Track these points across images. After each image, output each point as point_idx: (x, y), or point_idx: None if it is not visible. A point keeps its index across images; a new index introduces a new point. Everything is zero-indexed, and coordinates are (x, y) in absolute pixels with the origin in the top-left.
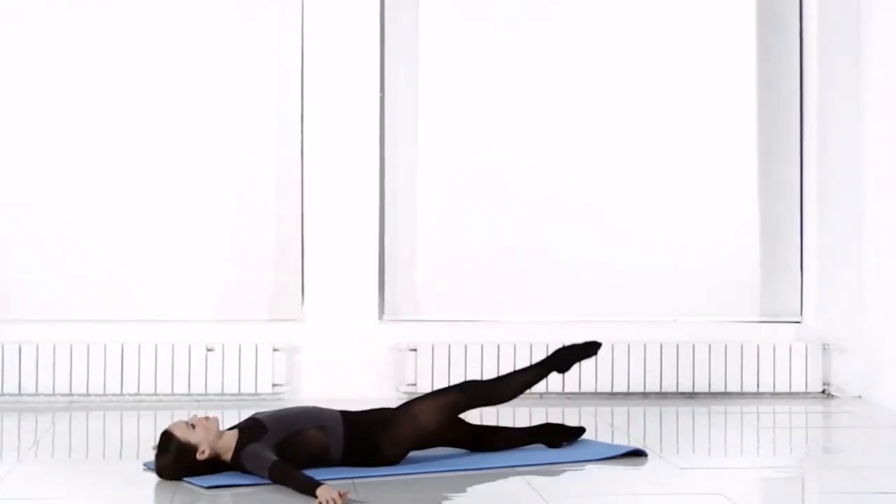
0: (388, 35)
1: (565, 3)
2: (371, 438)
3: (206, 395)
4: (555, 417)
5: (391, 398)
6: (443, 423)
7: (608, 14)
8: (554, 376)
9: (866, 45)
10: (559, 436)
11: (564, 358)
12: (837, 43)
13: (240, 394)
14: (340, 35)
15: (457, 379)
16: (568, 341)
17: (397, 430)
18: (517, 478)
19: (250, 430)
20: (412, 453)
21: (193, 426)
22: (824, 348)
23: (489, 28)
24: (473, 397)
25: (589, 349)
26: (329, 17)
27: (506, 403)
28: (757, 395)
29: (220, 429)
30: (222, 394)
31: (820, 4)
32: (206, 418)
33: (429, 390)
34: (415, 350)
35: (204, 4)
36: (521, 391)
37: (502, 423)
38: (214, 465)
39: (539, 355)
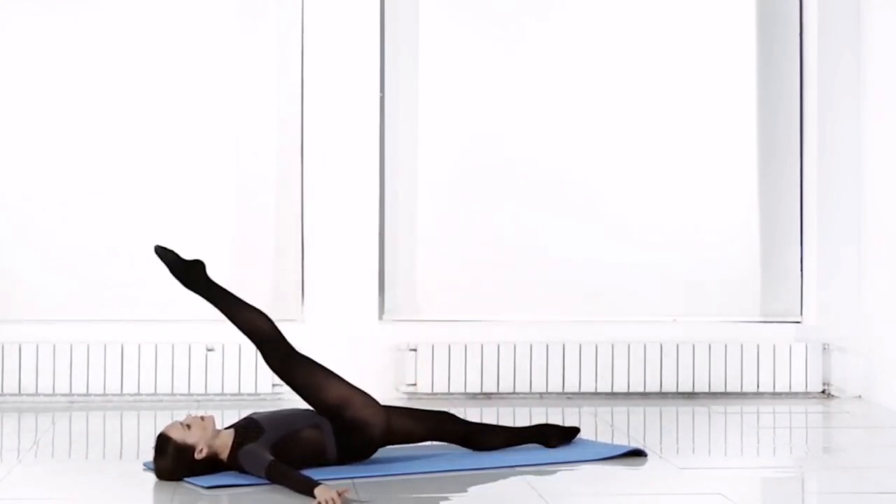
0: (388, 35)
1: (564, 4)
2: (356, 435)
3: (206, 395)
4: (555, 417)
5: (391, 398)
6: (422, 427)
7: (609, 15)
8: (555, 377)
9: (866, 45)
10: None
11: (548, 433)
12: (837, 43)
13: (240, 394)
14: (340, 35)
15: (457, 379)
16: (568, 341)
17: (367, 418)
18: (517, 478)
19: (246, 429)
20: (412, 453)
21: (189, 426)
22: (824, 348)
23: (489, 28)
24: (453, 434)
25: (569, 434)
26: (329, 17)
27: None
28: (757, 395)
29: (217, 427)
30: (222, 394)
31: (820, 4)
32: (202, 417)
33: (429, 391)
34: (415, 350)
35: (204, 4)
36: (494, 448)
37: (500, 424)
38: (213, 464)
39: (539, 355)
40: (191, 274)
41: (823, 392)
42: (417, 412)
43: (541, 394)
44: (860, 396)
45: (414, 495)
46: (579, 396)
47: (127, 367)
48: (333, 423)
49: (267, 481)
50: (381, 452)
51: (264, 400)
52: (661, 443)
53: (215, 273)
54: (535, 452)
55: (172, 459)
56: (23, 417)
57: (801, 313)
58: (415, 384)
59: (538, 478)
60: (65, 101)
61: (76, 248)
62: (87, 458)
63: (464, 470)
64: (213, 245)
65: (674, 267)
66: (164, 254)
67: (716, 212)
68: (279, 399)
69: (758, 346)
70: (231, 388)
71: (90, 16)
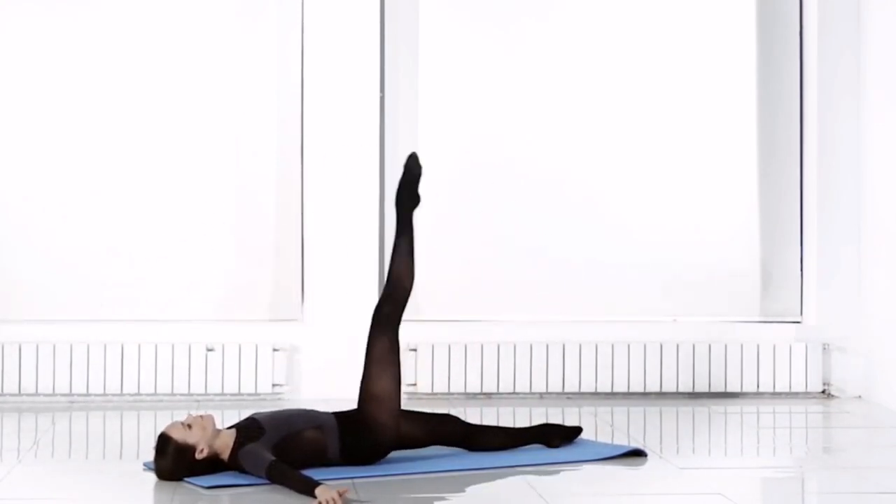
0: (388, 35)
1: (564, 3)
2: (364, 436)
3: (206, 395)
4: (555, 417)
5: None
6: (428, 433)
7: (609, 14)
8: (555, 377)
9: (866, 45)
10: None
11: (550, 433)
12: (837, 43)
13: (240, 394)
14: (340, 35)
15: (457, 379)
16: (568, 341)
17: (383, 423)
18: (517, 478)
19: (248, 429)
20: (412, 453)
21: (190, 426)
22: (824, 348)
23: (489, 28)
24: (455, 437)
25: (571, 433)
26: (329, 17)
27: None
28: (757, 395)
29: (217, 427)
30: (222, 394)
31: (820, 4)
32: (202, 416)
33: (429, 391)
34: (415, 350)
35: (204, 4)
36: (496, 449)
37: (500, 424)
38: (214, 464)
39: (539, 355)
40: (411, 198)
41: (823, 392)
42: (425, 417)
43: (541, 394)
44: (860, 396)
45: (414, 495)
46: (579, 396)
47: (127, 367)
48: (342, 421)
49: (267, 481)
50: None
51: (264, 400)
52: (661, 443)
53: (216, 273)
54: (535, 452)
55: (173, 459)
56: (23, 417)
57: (801, 313)
58: (415, 384)
59: (538, 478)
60: (65, 102)
61: (76, 248)
62: (87, 458)
63: (464, 470)
64: (214, 245)
65: (674, 267)
66: (415, 166)
67: (716, 212)
68: (279, 399)
69: (758, 346)
70: (231, 388)
71: (90, 16)
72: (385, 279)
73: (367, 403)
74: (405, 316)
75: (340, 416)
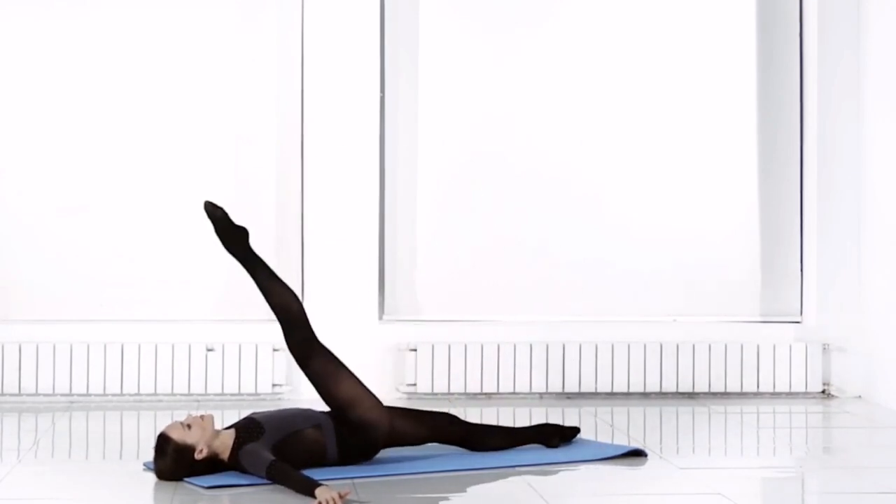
0: (388, 35)
1: (565, 2)
2: (359, 435)
3: (205, 395)
4: (555, 417)
5: (391, 398)
6: (421, 428)
7: (609, 13)
8: (555, 377)
9: (866, 45)
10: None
11: (548, 433)
12: (837, 43)
13: (240, 394)
14: (340, 35)
15: (457, 379)
16: (568, 341)
17: (372, 420)
18: (517, 478)
19: (247, 429)
20: (412, 453)
21: (189, 426)
22: (824, 348)
23: (489, 28)
24: (454, 436)
25: (569, 433)
26: (329, 17)
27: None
28: (757, 395)
29: (217, 427)
30: (222, 394)
31: (820, 4)
32: (202, 417)
33: (429, 391)
34: (415, 350)
35: (205, 4)
36: (495, 450)
37: (499, 424)
38: (214, 464)
39: (539, 355)
40: (235, 237)
41: (823, 392)
42: (419, 413)
43: (541, 394)
44: (860, 396)
45: (414, 495)
46: (579, 396)
47: (127, 367)
48: (336, 421)
49: (267, 481)
50: (381, 452)
51: (264, 400)
52: (661, 443)
53: (216, 273)
54: (535, 452)
55: (172, 460)
56: (23, 417)
57: (801, 313)
58: (415, 384)
59: (538, 478)
60: (66, 102)
61: (76, 248)
62: (87, 458)
63: (464, 470)
64: (214, 245)
65: (674, 267)
66: (214, 210)
67: (716, 212)
68: (279, 399)
69: (758, 346)
70: (231, 388)
71: (91, 15)
72: (296, 315)
73: (347, 412)
74: (405, 315)
75: (334, 416)
